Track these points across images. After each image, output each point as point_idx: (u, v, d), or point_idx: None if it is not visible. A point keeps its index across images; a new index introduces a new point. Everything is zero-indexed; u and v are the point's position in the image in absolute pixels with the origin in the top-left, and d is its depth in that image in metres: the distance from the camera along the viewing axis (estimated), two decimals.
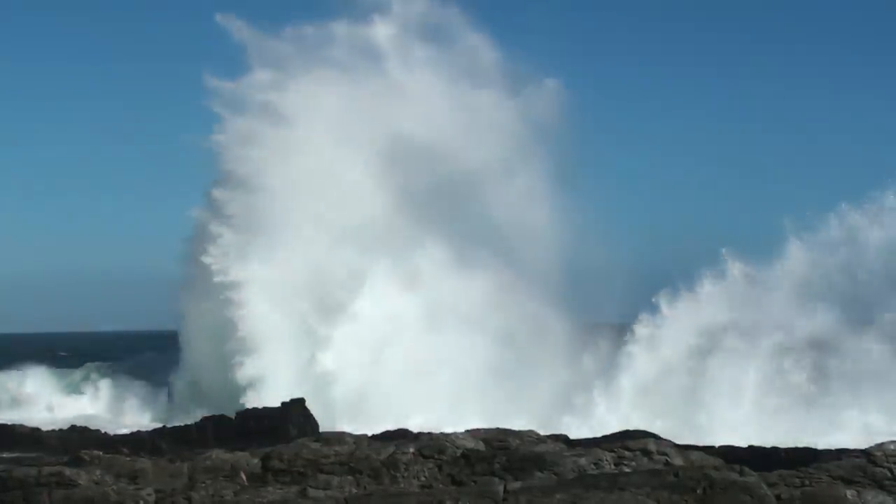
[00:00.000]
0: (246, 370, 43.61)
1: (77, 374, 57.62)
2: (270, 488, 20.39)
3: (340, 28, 50.86)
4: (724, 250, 43.73)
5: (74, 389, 54.74)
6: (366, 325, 44.69)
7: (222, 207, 48.11)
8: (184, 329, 49.07)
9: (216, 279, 46.61)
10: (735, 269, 43.35)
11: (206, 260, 47.18)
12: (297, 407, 36.24)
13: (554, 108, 50.53)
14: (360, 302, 45.23)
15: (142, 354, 62.24)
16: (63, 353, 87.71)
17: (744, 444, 27.34)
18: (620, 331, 44.46)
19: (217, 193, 48.69)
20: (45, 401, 53.14)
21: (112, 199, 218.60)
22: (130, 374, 53.75)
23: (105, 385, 53.49)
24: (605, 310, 48.21)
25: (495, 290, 46.36)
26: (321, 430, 33.54)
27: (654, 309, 43.49)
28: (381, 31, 50.50)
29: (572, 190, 50.63)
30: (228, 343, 44.97)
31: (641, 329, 43.15)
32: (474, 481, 20.17)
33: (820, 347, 41.59)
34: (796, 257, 43.13)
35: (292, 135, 48.90)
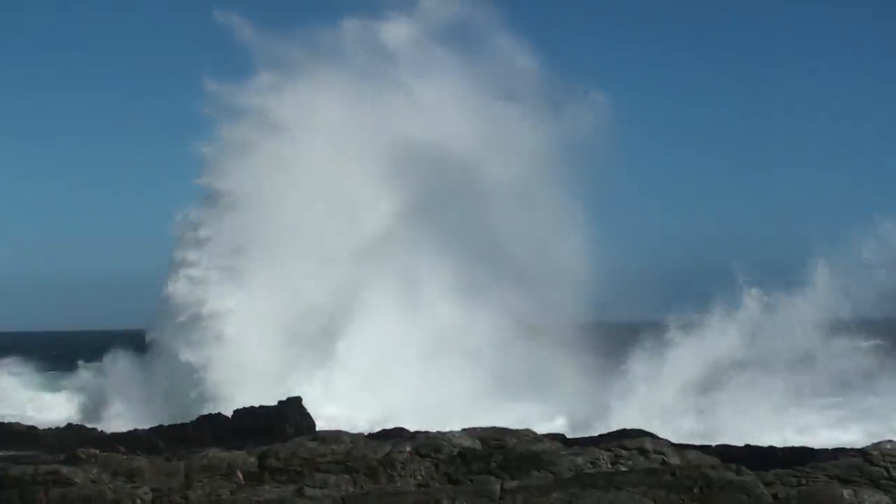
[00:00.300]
0: None
1: (55, 375, 56.13)
2: (267, 487, 20.37)
3: (351, 28, 46.84)
4: (739, 276, 39.63)
5: (50, 390, 52.94)
6: (354, 364, 40.66)
7: (197, 229, 43.46)
8: (152, 364, 44.02)
9: (179, 319, 42.02)
10: (751, 296, 39.20)
11: (171, 291, 42.58)
12: (293, 405, 36.16)
13: (597, 125, 46.03)
14: (349, 339, 41.29)
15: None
16: (57, 353, 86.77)
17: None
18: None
19: (193, 213, 44.13)
20: (16, 402, 50.70)
21: (115, 199, 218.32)
22: (114, 377, 48.54)
23: (79, 388, 50.78)
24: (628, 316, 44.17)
25: (505, 327, 42.11)
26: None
27: (657, 338, 39.46)
28: (396, 31, 46.30)
29: (606, 217, 47.11)
30: (194, 390, 40.69)
31: (638, 366, 39.20)
32: (471, 480, 20.15)
33: (851, 388, 37.66)
34: (823, 281, 38.39)
35: (286, 146, 44.72)
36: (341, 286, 42.46)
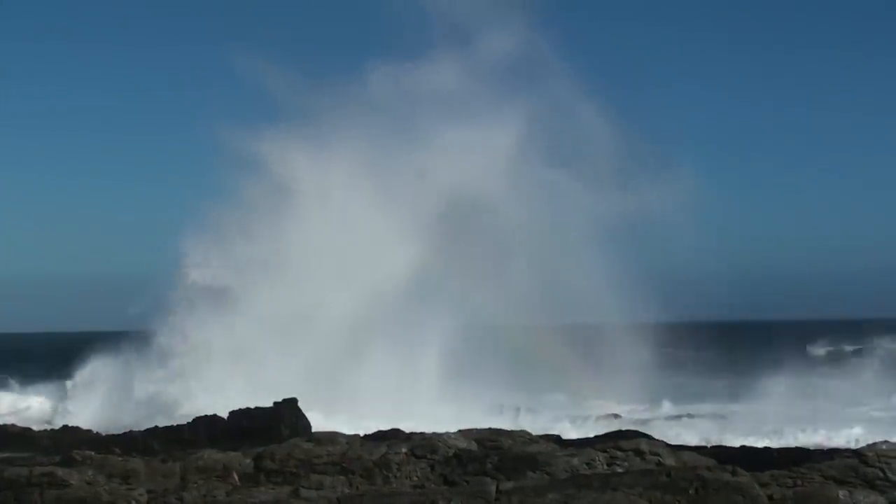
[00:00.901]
0: None
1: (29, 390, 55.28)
2: (263, 488, 20.36)
3: (380, 72, 43.02)
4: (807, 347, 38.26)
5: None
6: None
7: (179, 319, 39.72)
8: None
9: (155, 420, 37.56)
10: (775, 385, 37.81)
11: (147, 387, 39.13)
12: (289, 407, 36.10)
13: (670, 201, 41.34)
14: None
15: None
16: (34, 359, 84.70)
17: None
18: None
19: (176, 306, 40.13)
20: None
21: (118, 200, 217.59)
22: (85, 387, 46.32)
23: (39, 400, 49.23)
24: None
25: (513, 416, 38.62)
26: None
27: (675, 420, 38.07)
28: (434, 76, 42.25)
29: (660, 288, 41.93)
30: None
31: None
32: (466, 481, 20.14)
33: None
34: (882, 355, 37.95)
35: (290, 211, 40.83)
36: (334, 377, 38.67)
